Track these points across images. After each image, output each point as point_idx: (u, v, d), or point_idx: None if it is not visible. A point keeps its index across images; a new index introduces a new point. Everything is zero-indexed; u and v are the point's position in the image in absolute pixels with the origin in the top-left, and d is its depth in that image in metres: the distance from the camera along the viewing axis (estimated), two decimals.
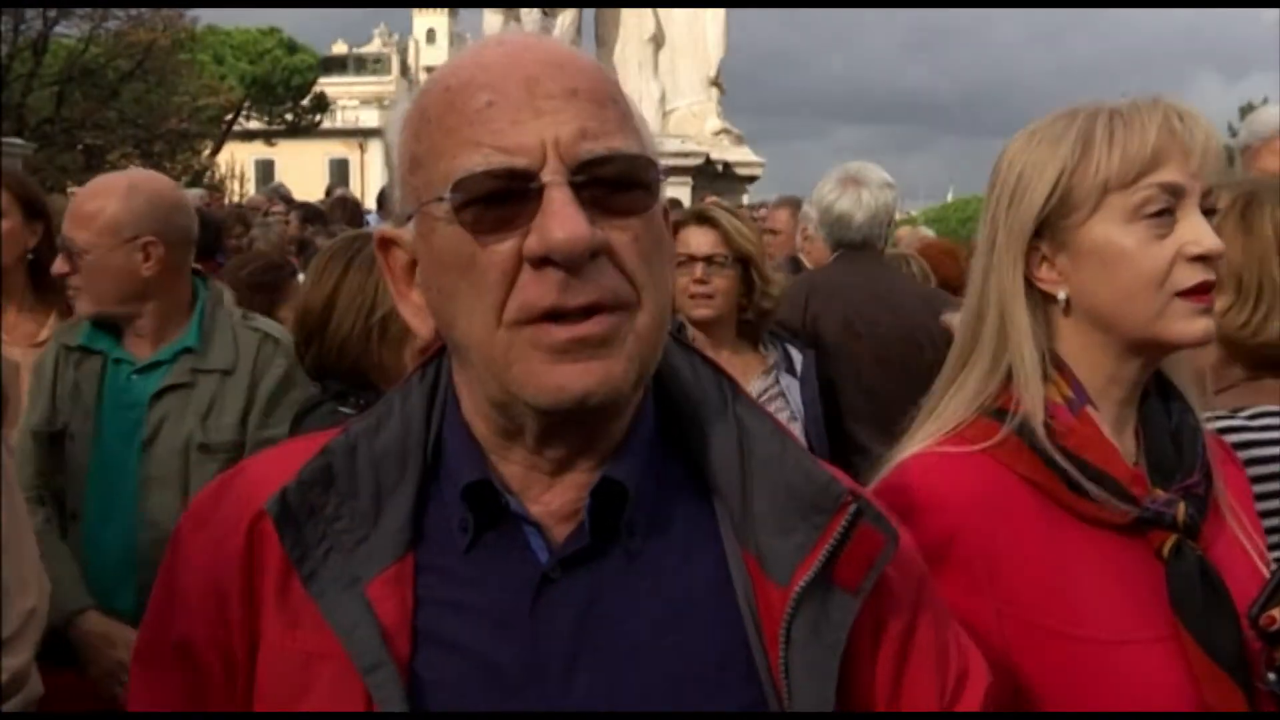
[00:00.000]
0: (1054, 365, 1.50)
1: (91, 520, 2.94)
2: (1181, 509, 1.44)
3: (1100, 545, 1.45)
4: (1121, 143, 1.45)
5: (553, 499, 1.10)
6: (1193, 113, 1.47)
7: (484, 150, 1.01)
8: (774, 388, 3.60)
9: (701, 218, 3.59)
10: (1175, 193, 1.44)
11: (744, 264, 3.55)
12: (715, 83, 15.29)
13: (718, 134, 15.04)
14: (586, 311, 1.01)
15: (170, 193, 3.13)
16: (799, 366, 3.68)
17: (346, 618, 1.04)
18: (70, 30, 32.01)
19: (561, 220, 0.99)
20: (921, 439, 1.53)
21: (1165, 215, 1.44)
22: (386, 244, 1.13)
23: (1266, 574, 1.51)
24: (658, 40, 14.86)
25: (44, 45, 30.92)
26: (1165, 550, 1.44)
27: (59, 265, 2.95)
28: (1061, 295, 1.50)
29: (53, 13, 30.28)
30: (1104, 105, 1.49)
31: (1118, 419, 1.52)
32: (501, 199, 1.01)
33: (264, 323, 3.14)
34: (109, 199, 2.95)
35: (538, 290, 1.00)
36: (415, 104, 1.10)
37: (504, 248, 1.01)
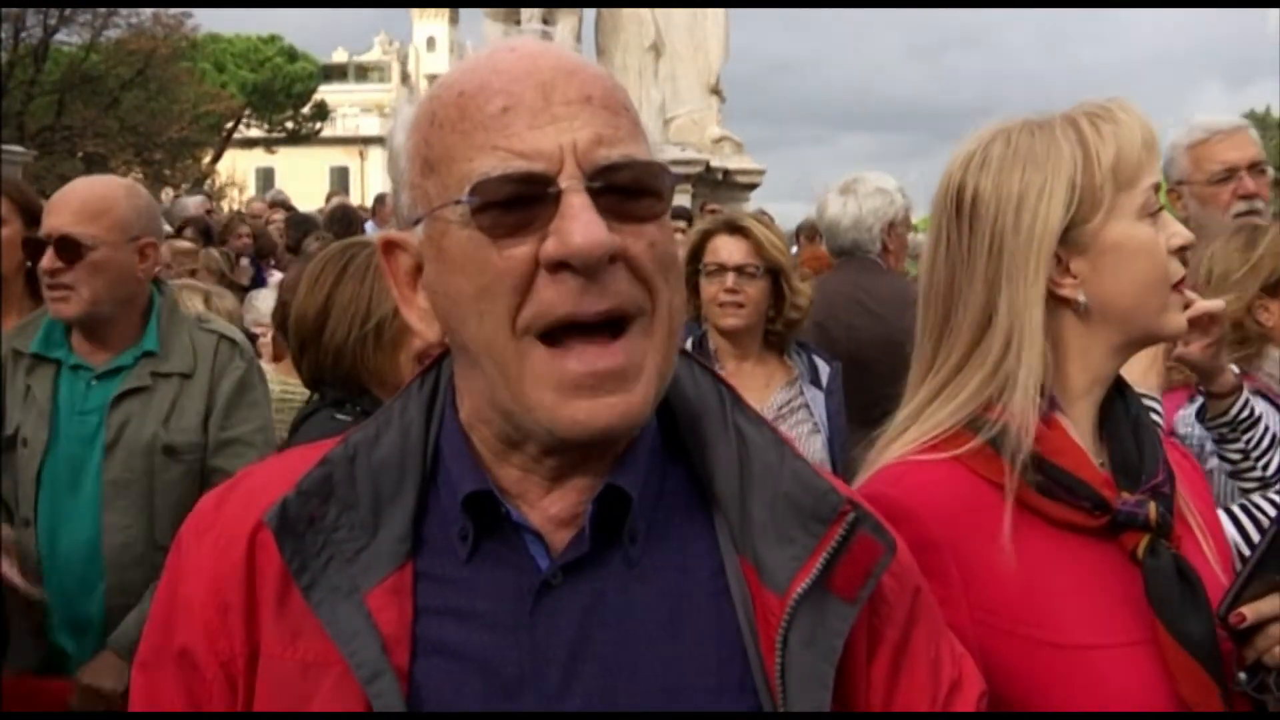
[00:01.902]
0: None
1: (47, 526, 2.90)
2: (1153, 508, 1.46)
3: (1074, 550, 1.46)
4: (1117, 141, 1.49)
5: (551, 504, 1.10)
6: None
7: (501, 154, 1.02)
8: (798, 399, 3.57)
9: (733, 227, 3.57)
10: (1157, 191, 1.51)
11: (774, 274, 3.53)
12: (715, 90, 15.30)
13: (718, 142, 15.05)
14: (604, 322, 1.01)
15: (153, 199, 3.21)
16: (825, 378, 3.64)
17: (346, 627, 1.04)
18: (71, 38, 32.06)
19: (581, 225, 0.99)
20: (905, 443, 1.54)
21: (1155, 216, 1.51)
22: (391, 247, 1.13)
23: (1218, 572, 1.52)
24: (658, 48, 14.86)
25: (44, 53, 30.95)
26: (1140, 550, 1.45)
27: (49, 260, 2.88)
28: (1082, 298, 1.51)
29: (53, 20, 30.33)
30: (1070, 112, 1.53)
31: (1091, 420, 1.55)
32: (518, 203, 1.01)
33: (220, 325, 3.17)
34: (115, 197, 2.96)
35: (555, 296, 1.00)
36: (424, 108, 1.09)
37: (519, 252, 1.01)
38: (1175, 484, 1.53)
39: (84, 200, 2.94)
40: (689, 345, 3.55)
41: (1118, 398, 1.58)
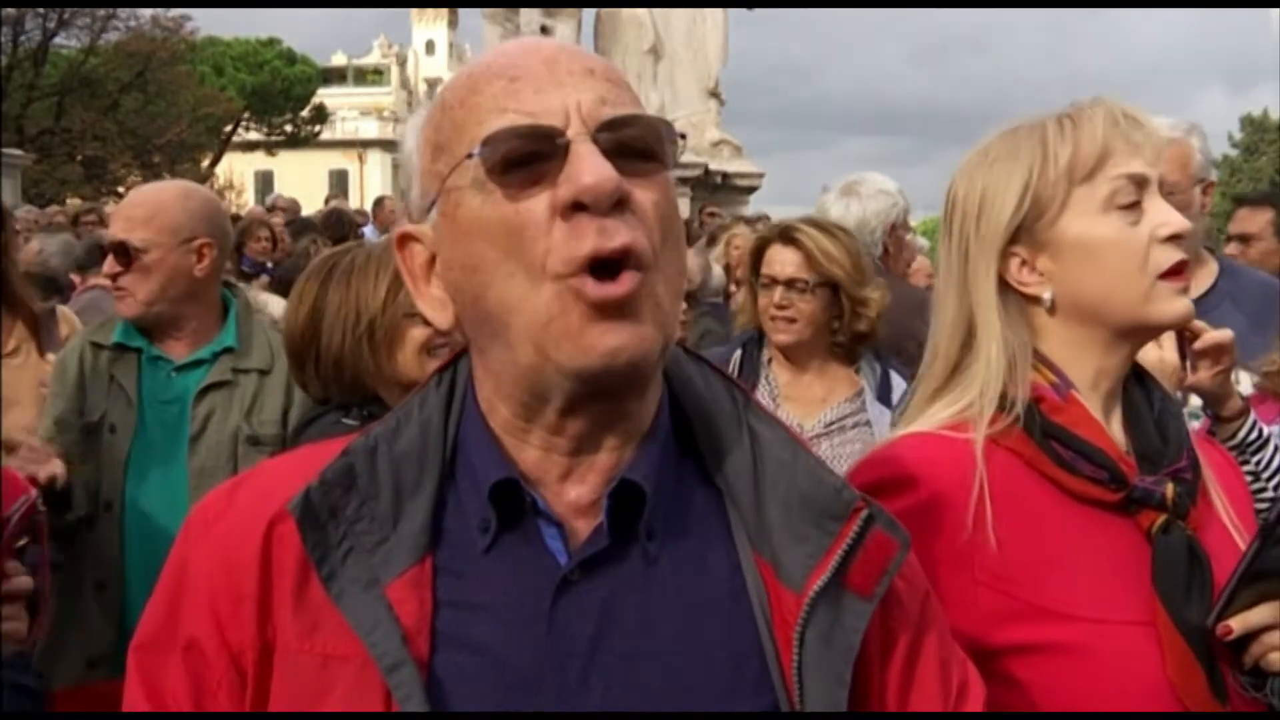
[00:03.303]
0: (1037, 358, 1.54)
1: (133, 510, 3.02)
2: (1170, 488, 1.47)
3: (1091, 526, 1.48)
4: (1074, 138, 1.50)
5: (570, 489, 1.11)
6: (1134, 111, 1.53)
7: (509, 114, 1.05)
8: (858, 415, 3.33)
9: (786, 237, 3.35)
10: (1140, 183, 1.50)
11: (833, 286, 3.31)
12: (714, 94, 15.33)
13: (717, 145, 15.08)
14: (622, 260, 1.02)
15: (217, 200, 3.40)
16: (896, 394, 3.33)
17: (367, 618, 1.04)
18: (70, 41, 32.11)
19: (590, 165, 1.02)
20: (922, 425, 1.56)
21: (1134, 207, 1.50)
22: (405, 240, 1.15)
23: None
24: (657, 51, 14.89)
25: (44, 56, 30.99)
26: (1154, 529, 1.47)
27: (109, 265, 3.05)
28: (1046, 295, 1.53)
29: (52, 23, 30.36)
30: (1050, 113, 1.55)
31: (1105, 410, 1.55)
32: (528, 160, 1.04)
33: None
34: (165, 202, 3.12)
35: (575, 238, 1.02)
36: (434, 102, 1.14)
37: (535, 203, 1.04)
38: (1200, 472, 1.54)
39: (137, 206, 3.14)
40: (738, 351, 3.43)
41: (1138, 387, 1.58)
